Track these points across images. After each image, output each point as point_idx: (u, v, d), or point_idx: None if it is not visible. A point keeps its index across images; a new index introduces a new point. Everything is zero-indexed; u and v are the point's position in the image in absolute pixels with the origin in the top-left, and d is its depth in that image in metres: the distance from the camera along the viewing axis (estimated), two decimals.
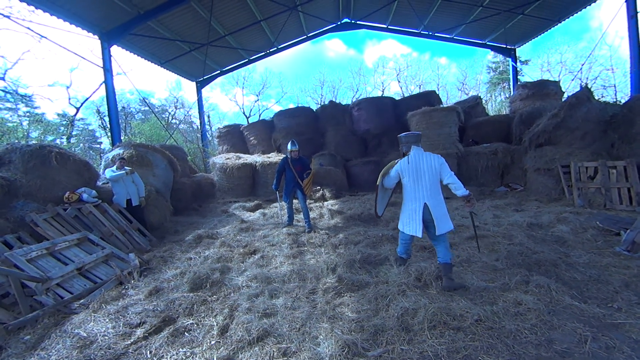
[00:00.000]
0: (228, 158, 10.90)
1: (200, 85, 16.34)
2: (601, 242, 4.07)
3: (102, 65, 9.88)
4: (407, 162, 3.23)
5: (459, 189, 3.09)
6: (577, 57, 25.82)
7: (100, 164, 7.48)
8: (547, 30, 14.04)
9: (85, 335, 2.68)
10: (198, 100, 16.53)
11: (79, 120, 23.98)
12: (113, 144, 9.76)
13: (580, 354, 2.05)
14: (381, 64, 42.46)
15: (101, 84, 10.36)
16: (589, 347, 2.09)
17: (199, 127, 18.01)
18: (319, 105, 14.56)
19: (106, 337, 2.62)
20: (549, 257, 3.49)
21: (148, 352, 2.41)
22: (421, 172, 3.15)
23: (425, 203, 3.12)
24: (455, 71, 41.39)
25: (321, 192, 8.93)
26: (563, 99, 10.18)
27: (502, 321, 2.41)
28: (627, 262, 3.40)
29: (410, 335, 2.35)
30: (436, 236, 3.14)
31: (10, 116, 19.82)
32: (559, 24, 13.21)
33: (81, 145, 23.49)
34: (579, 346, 2.12)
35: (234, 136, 13.90)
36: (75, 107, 22.06)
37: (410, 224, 3.23)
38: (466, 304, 2.66)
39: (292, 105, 32.00)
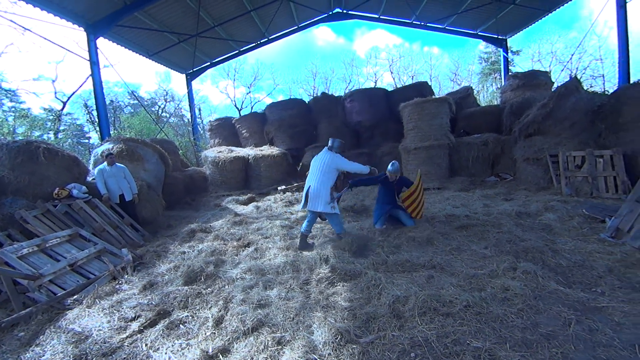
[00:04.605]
0: (220, 151, 10.81)
1: (190, 78, 16.05)
2: (587, 229, 4.18)
3: (88, 58, 9.62)
4: (313, 157, 4.49)
5: (358, 170, 4.39)
6: (568, 47, 26.07)
7: (90, 159, 7.36)
8: (538, 20, 14.09)
9: (80, 330, 2.69)
10: (188, 92, 16.26)
11: (66, 114, 23.43)
12: (102, 138, 9.59)
13: (565, 336, 2.13)
14: (373, 54, 42.22)
15: (88, 77, 10.15)
16: (573, 330, 2.17)
17: (190, 120, 17.74)
18: (312, 97, 14.44)
19: (101, 332, 2.64)
20: (536, 245, 3.58)
21: (144, 344, 2.43)
22: (318, 165, 4.32)
23: (310, 185, 4.24)
24: (447, 62, 41.30)
25: None
26: (553, 89, 10.27)
27: (490, 306, 2.48)
28: (611, 248, 3.51)
29: (401, 322, 2.41)
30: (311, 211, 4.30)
31: None
32: (550, 14, 13.26)
33: (69, 140, 22.98)
34: (563, 329, 2.20)
35: (226, 129, 13.73)
36: (62, 102, 21.53)
37: (302, 200, 4.35)
38: (455, 290, 2.74)
39: (281, 97, 31.80)
